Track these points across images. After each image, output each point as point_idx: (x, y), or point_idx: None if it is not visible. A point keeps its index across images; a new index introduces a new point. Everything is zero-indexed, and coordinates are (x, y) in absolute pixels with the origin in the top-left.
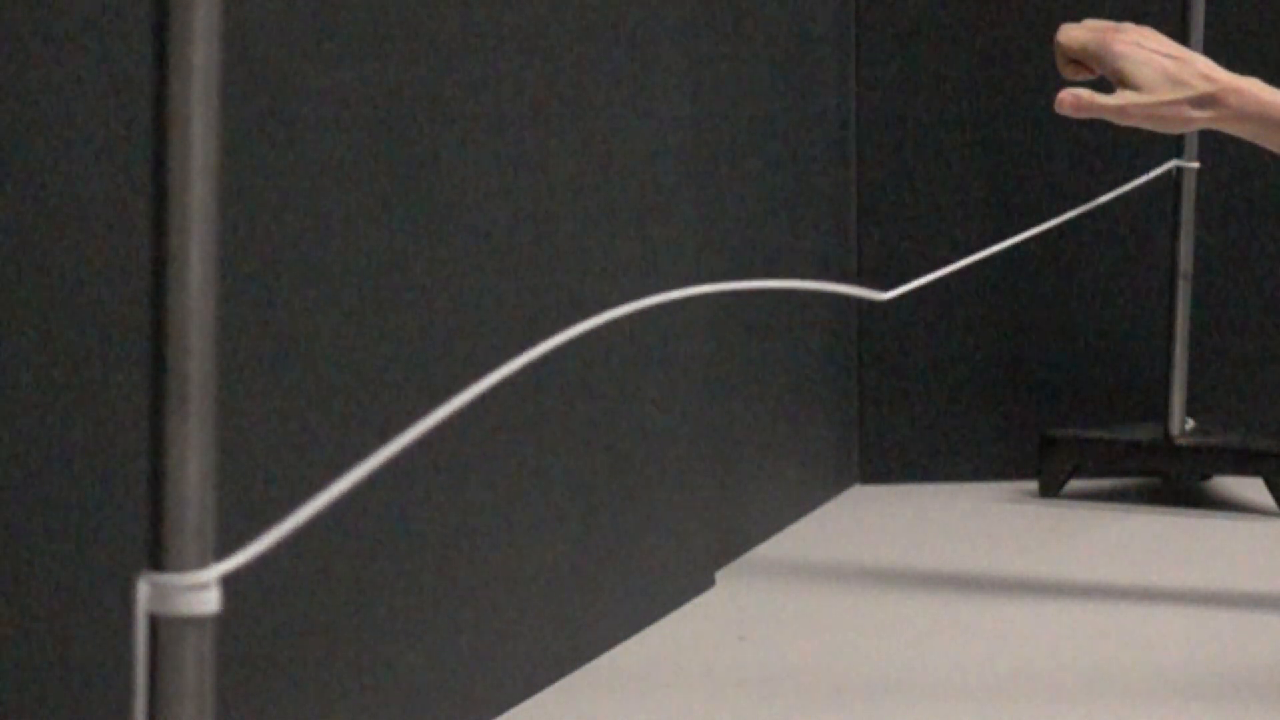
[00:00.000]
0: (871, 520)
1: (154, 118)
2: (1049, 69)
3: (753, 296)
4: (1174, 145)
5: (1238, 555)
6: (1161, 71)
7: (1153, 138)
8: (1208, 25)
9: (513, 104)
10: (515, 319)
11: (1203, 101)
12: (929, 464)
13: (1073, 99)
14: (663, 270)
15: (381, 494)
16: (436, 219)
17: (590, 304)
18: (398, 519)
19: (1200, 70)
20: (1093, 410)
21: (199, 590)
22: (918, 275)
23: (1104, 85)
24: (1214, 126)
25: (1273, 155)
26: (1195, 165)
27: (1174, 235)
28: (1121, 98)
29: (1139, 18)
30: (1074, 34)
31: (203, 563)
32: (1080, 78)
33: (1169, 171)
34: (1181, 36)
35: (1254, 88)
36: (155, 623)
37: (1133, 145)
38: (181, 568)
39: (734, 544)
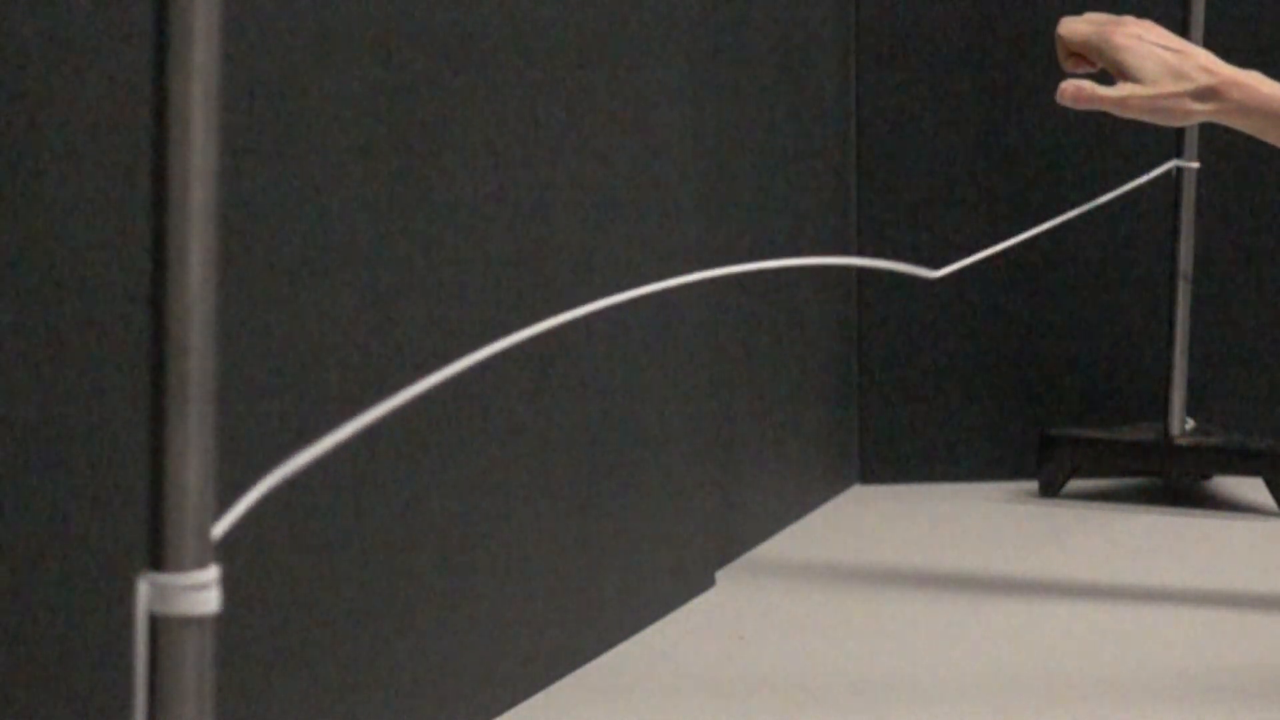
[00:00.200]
0: (871, 520)
1: (154, 118)
2: (1049, 69)
3: (752, 297)
4: (1174, 145)
5: (1238, 555)
6: (1162, 64)
7: (1152, 137)
8: (1208, 21)
9: (513, 101)
10: (516, 318)
11: (1204, 94)
12: (929, 464)
13: (1074, 89)
14: (664, 269)
15: (381, 494)
16: (437, 218)
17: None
18: (397, 519)
19: (1201, 63)
20: (1093, 410)
21: (199, 590)
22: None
23: (1105, 78)
24: (1215, 119)
25: (1273, 150)
26: (1195, 165)
27: (1174, 235)
28: (1122, 89)
29: (1140, 13)
30: (1075, 27)
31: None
32: (1081, 70)
33: (1169, 171)
34: (1182, 32)
35: (1255, 81)
36: (155, 623)
37: (1133, 145)
38: (181, 568)
39: (734, 544)
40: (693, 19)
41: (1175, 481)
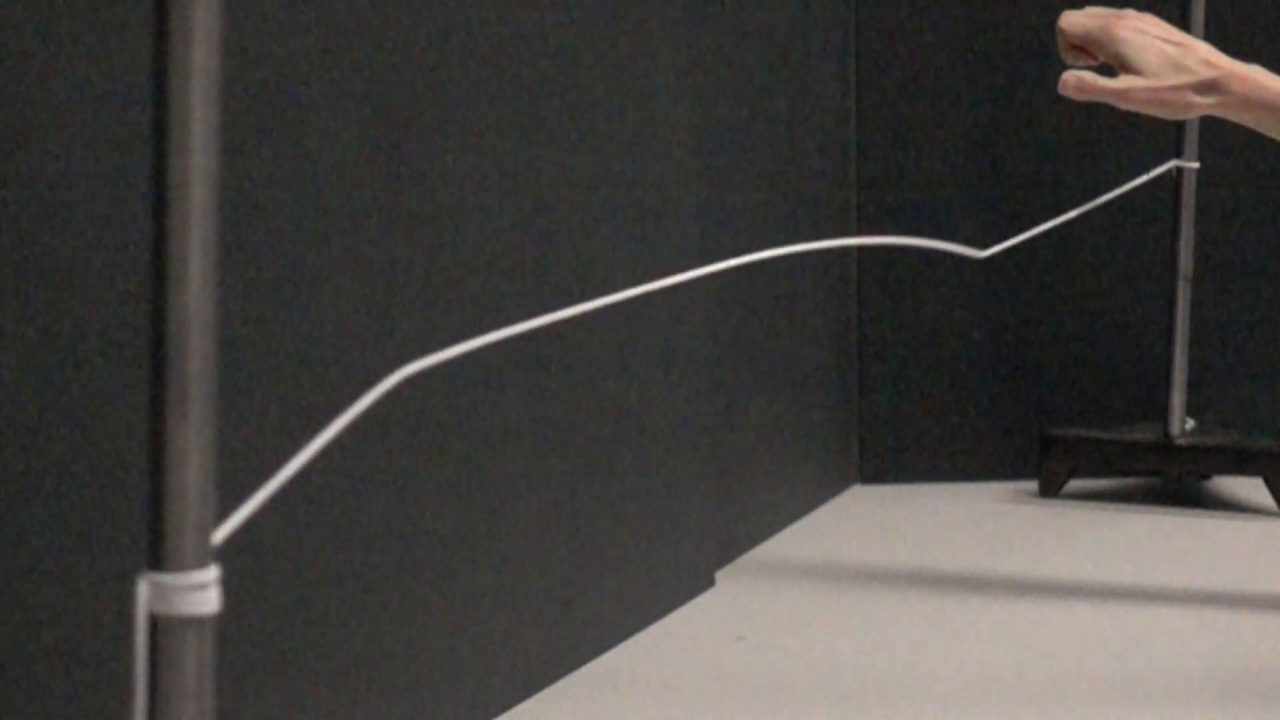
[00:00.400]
0: (871, 520)
1: (154, 118)
2: (1049, 69)
3: (753, 297)
4: (1174, 145)
5: (1238, 555)
6: (1164, 57)
7: (1153, 137)
8: (1207, 18)
9: (513, 101)
10: (516, 318)
11: (1205, 87)
12: (929, 464)
13: (1076, 80)
14: (664, 269)
15: (380, 494)
16: (437, 218)
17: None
18: (397, 519)
19: (1203, 56)
20: (1093, 410)
21: (199, 590)
22: (916, 273)
23: (1106, 72)
24: (1216, 113)
25: (1274, 150)
26: (1195, 165)
27: (1174, 235)
28: (1124, 81)
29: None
30: (1076, 20)
31: (203, 563)
32: (1082, 64)
33: (1169, 171)
34: (1182, 27)
35: (1257, 74)
36: (155, 623)
37: (1133, 145)
38: (181, 568)
39: (734, 544)
40: (693, 19)
41: (1175, 481)
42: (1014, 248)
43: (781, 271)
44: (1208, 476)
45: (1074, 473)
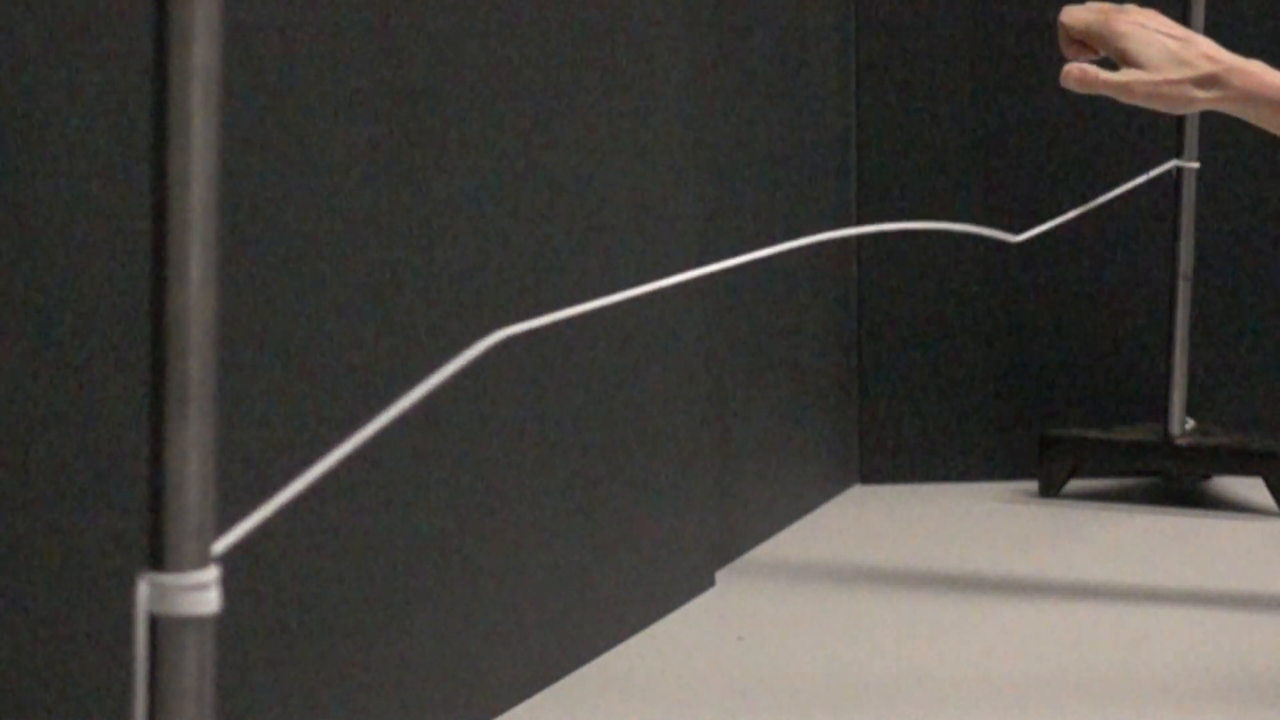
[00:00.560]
0: (871, 520)
1: (154, 118)
2: (1049, 69)
3: (752, 298)
4: (1174, 145)
5: (1238, 555)
6: (1165, 51)
7: (1153, 137)
8: (1207, 14)
9: (513, 101)
10: (517, 317)
11: (1206, 82)
12: (929, 464)
13: (1079, 73)
14: (664, 269)
15: (381, 494)
16: (437, 218)
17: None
18: (397, 519)
19: (1204, 51)
20: (1093, 410)
21: (199, 590)
22: (917, 273)
23: (1107, 66)
24: (1217, 108)
25: (1274, 149)
26: (1195, 165)
27: (1174, 235)
28: (1126, 75)
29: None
30: (1077, 14)
31: (203, 563)
32: (1083, 58)
33: (1169, 171)
34: (1183, 23)
35: (1258, 69)
36: (155, 623)
37: (1133, 145)
38: (181, 568)
39: (734, 544)
40: (693, 19)
41: (1175, 481)
42: (1014, 247)
43: (781, 272)
44: (1208, 476)
45: (1074, 473)
